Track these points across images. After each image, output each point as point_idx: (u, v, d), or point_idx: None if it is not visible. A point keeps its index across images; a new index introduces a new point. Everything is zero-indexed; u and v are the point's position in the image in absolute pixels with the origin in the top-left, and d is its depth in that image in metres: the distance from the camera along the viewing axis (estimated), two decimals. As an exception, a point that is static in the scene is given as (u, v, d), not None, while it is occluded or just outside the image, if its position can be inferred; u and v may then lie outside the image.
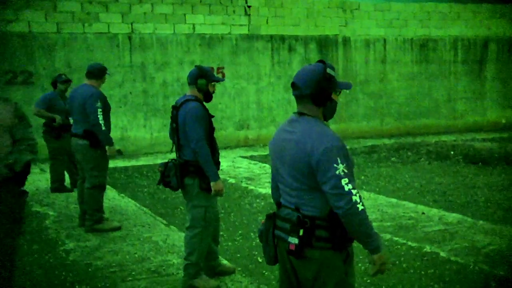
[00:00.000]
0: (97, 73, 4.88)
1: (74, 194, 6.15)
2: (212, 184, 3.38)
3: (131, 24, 9.84)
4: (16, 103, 2.87)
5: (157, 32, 10.03)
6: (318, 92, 2.01)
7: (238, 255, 4.19)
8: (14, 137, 2.73)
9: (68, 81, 6.56)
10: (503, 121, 13.28)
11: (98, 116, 4.69)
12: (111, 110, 4.95)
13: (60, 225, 5.14)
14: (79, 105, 4.79)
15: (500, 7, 13.47)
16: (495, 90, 13.31)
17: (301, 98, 2.06)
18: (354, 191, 1.91)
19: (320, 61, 2.11)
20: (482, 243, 4.26)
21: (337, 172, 1.90)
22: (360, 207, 1.91)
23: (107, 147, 4.82)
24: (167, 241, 4.58)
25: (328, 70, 2.04)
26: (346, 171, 1.92)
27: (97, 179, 4.83)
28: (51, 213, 5.64)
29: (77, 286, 3.62)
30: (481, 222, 4.86)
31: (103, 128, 4.71)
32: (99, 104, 4.70)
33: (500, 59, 13.29)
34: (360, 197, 1.93)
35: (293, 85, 2.07)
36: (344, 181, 1.90)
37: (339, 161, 1.91)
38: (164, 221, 5.22)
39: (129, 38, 9.81)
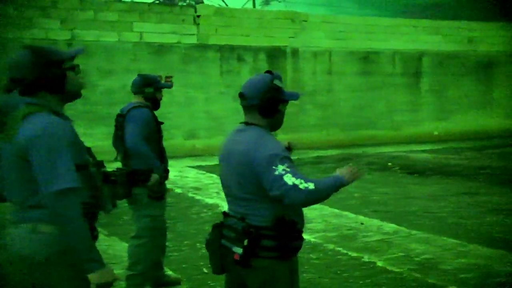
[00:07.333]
0: None
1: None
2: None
3: (71, 30, 9.58)
4: None
5: (102, 39, 9.82)
6: (265, 103, 2.01)
7: (184, 265, 4.19)
8: None
9: None
10: (436, 132, 14.02)
11: None
12: None
13: None
14: None
15: (437, 23, 14.26)
16: (429, 102, 14.07)
17: (248, 108, 2.06)
18: (298, 181, 1.89)
19: (267, 71, 2.11)
20: (415, 252, 4.51)
21: (276, 173, 1.90)
22: (311, 186, 1.89)
23: None
24: (108, 251, 4.50)
25: (275, 81, 2.04)
26: (287, 169, 1.91)
27: None
28: None
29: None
30: (415, 231, 5.15)
31: None
32: None
33: (434, 72, 14.08)
34: (310, 184, 1.91)
35: (241, 95, 2.06)
36: (286, 177, 1.89)
37: (278, 164, 1.91)
38: (105, 231, 5.12)
39: (69, 45, 9.52)
